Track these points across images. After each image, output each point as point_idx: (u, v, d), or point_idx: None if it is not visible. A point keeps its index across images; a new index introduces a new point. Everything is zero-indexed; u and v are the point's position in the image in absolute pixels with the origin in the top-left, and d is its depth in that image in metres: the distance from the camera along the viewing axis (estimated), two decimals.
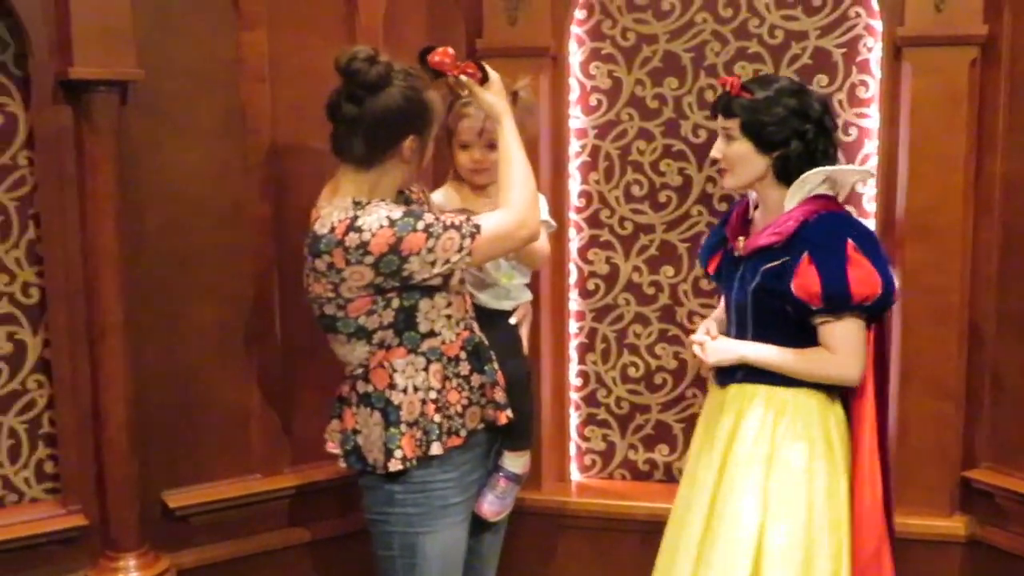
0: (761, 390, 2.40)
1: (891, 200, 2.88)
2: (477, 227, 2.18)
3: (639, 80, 3.05)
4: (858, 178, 2.59)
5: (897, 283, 2.33)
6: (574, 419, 3.26)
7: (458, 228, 2.16)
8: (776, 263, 2.33)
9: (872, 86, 2.90)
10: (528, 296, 2.70)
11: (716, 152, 2.43)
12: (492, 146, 2.44)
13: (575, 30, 3.06)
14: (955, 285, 2.85)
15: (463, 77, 2.29)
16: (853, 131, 2.93)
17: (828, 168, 2.35)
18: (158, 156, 2.70)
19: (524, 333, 2.69)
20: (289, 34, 2.83)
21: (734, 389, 2.44)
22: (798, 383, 2.37)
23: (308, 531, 3.04)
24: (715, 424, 2.46)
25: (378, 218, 2.12)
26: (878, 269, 2.28)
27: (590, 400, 3.24)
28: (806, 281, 2.27)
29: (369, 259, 2.10)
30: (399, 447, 2.22)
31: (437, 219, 2.16)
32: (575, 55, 3.08)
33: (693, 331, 3.04)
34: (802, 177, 2.33)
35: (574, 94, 3.09)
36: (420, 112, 2.20)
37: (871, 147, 2.92)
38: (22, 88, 2.56)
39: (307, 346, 2.93)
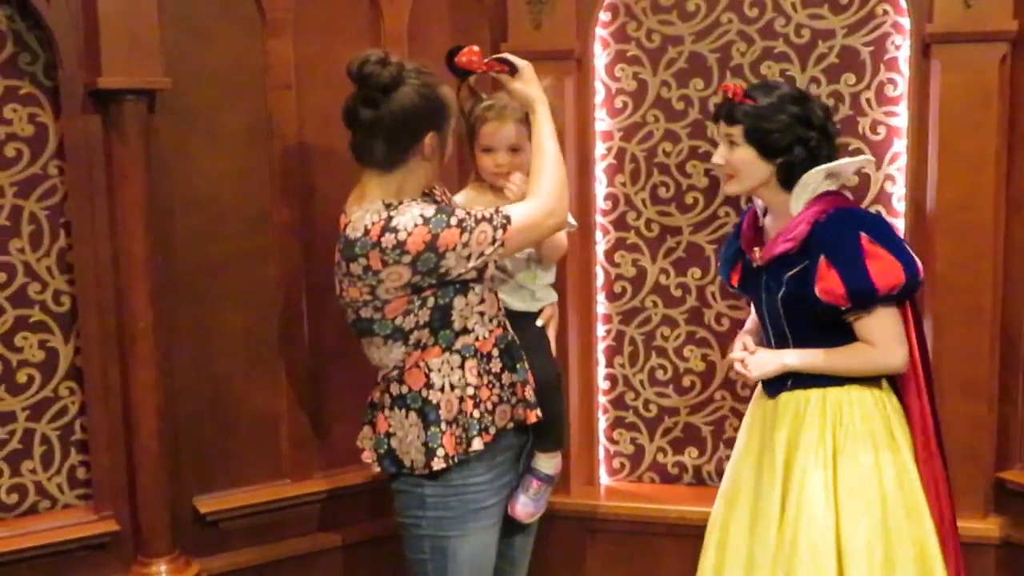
0: (814, 394, 2.41)
1: (920, 199, 2.85)
2: (507, 218, 2.20)
3: (664, 82, 3.03)
4: (858, 167, 2.58)
5: (919, 263, 2.33)
6: (602, 422, 3.25)
7: (489, 220, 2.19)
8: (797, 269, 2.35)
9: (900, 84, 2.87)
10: (554, 297, 2.69)
11: (718, 158, 2.44)
12: (514, 150, 2.46)
13: (600, 32, 3.05)
14: (986, 285, 2.82)
15: (493, 73, 2.31)
16: (882, 130, 2.90)
17: (827, 166, 2.36)
18: (186, 163, 2.73)
19: (551, 334, 2.68)
20: (315, 41, 2.85)
21: (785, 397, 2.44)
22: (848, 380, 2.39)
23: (338, 535, 3.05)
24: (770, 436, 2.45)
25: (412, 217, 2.13)
26: (897, 256, 2.29)
27: (618, 403, 3.23)
28: (829, 284, 2.28)
29: (407, 258, 2.11)
30: (441, 445, 2.22)
31: (468, 214, 2.18)
32: (600, 57, 3.07)
33: (721, 333, 3.08)
34: (803, 179, 2.35)
35: (599, 96, 3.08)
36: (437, 107, 2.21)
37: (900, 146, 2.89)
38: (52, 98, 2.59)
39: (336, 350, 2.95)
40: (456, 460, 2.24)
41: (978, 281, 2.81)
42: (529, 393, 2.38)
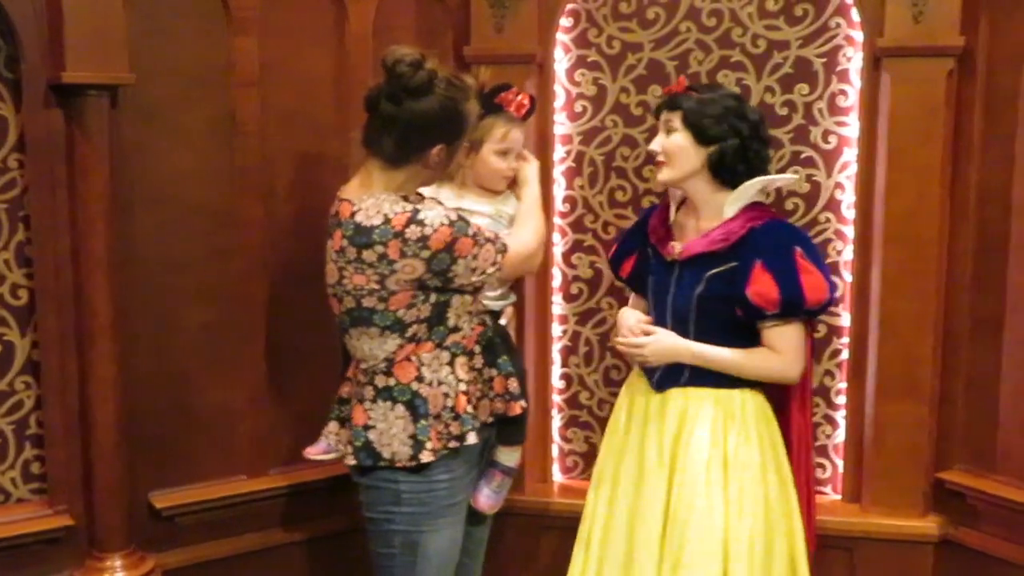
0: (708, 393, 2.49)
1: (869, 207, 2.94)
2: (506, 246, 2.32)
3: (624, 87, 3.09)
4: (787, 184, 2.71)
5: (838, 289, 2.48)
6: (557, 421, 3.30)
7: (493, 243, 2.28)
8: (722, 268, 2.43)
9: (852, 95, 2.95)
10: (513, 298, 2.80)
11: (655, 145, 2.54)
12: (518, 157, 2.63)
13: (561, 38, 3.10)
14: (931, 291, 2.91)
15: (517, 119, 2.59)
16: (833, 139, 2.98)
17: (766, 178, 2.48)
18: (149, 159, 2.72)
19: (511, 333, 2.75)
20: (280, 39, 2.85)
21: (675, 393, 2.52)
22: (742, 384, 2.49)
23: (294, 531, 3.06)
24: (656, 431, 2.51)
25: (439, 215, 2.19)
26: (824, 276, 2.43)
27: (572, 402, 3.28)
28: (763, 288, 2.38)
29: (426, 253, 2.16)
30: (429, 439, 2.26)
31: (480, 230, 2.26)
32: (561, 62, 3.11)
33: None
34: (743, 185, 2.46)
35: (559, 100, 3.13)
36: (455, 123, 2.25)
37: (850, 155, 2.97)
38: (13, 91, 2.56)
39: (296, 347, 2.96)
40: (439, 455, 2.28)
41: (923, 287, 2.90)
42: (513, 385, 2.44)
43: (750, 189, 2.47)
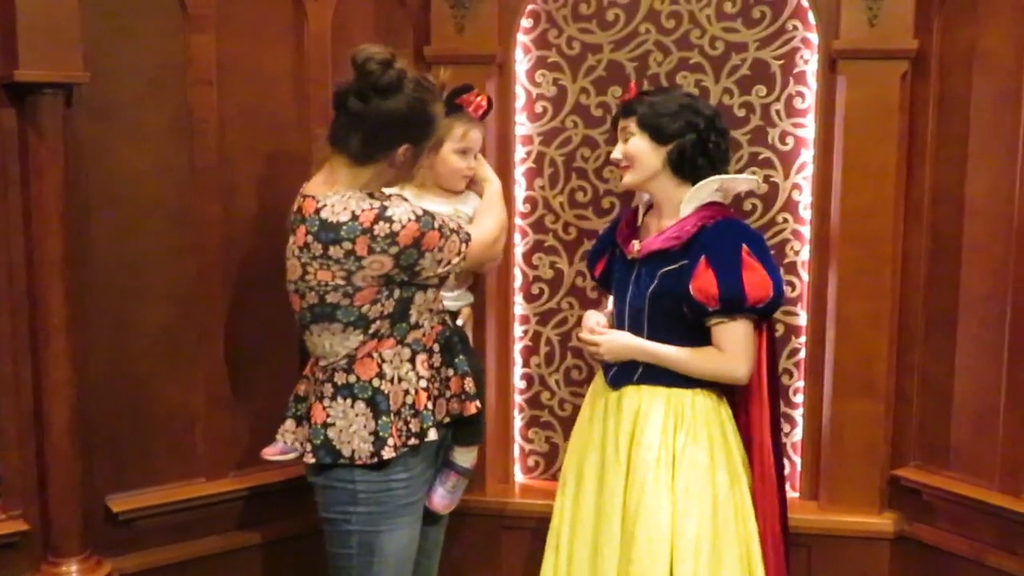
0: (661, 392, 2.52)
1: (826, 207, 2.97)
2: (469, 235, 2.33)
3: (584, 88, 3.10)
4: (747, 187, 2.74)
5: (784, 285, 2.55)
6: (518, 421, 3.30)
7: (457, 233, 2.29)
8: (674, 266, 2.47)
9: (808, 97, 2.99)
10: (470, 298, 2.82)
11: (617, 153, 2.57)
12: (476, 156, 2.67)
13: (521, 38, 3.10)
14: (886, 289, 2.95)
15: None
16: (790, 140, 3.01)
17: (722, 177, 2.52)
18: (105, 159, 2.68)
19: (468, 334, 2.76)
20: (238, 38, 2.83)
21: (630, 391, 2.55)
22: (694, 384, 2.52)
23: (253, 534, 3.04)
24: (614, 429, 2.55)
25: (406, 211, 2.20)
26: (770, 274, 2.45)
27: (534, 402, 3.29)
28: (704, 284, 2.41)
29: (394, 249, 2.16)
30: (391, 435, 2.25)
31: (444, 222, 2.27)
32: (521, 63, 3.12)
33: None
34: (698, 184, 2.49)
35: (520, 101, 3.14)
36: (421, 124, 2.25)
37: (807, 156, 3.00)
38: None
39: (255, 348, 2.94)
40: (400, 452, 2.27)
41: (878, 286, 2.94)
42: (469, 385, 2.44)
43: (705, 188, 2.50)
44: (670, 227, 2.50)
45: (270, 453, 2.52)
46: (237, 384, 2.96)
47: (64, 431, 2.63)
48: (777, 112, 3.01)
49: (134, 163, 2.73)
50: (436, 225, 2.24)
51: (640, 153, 2.51)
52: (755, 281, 2.41)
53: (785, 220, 3.04)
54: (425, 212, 2.24)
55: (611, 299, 2.75)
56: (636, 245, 2.55)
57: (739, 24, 3.00)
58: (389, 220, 2.16)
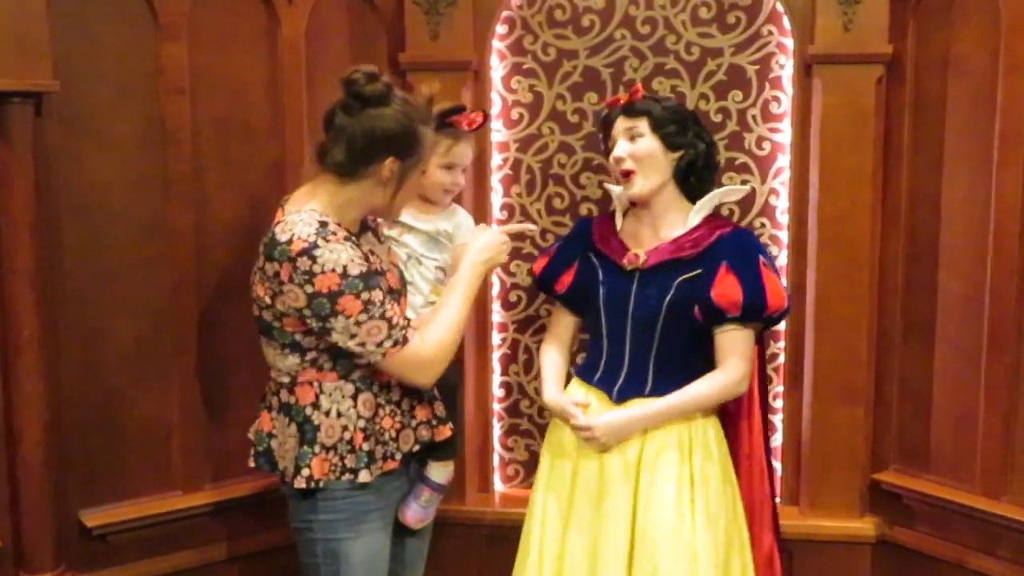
0: None
1: (802, 212, 2.98)
2: (405, 340, 2.16)
3: (560, 95, 3.09)
4: (739, 197, 2.79)
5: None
6: (497, 430, 3.28)
7: (391, 325, 2.14)
8: (690, 275, 2.43)
9: (784, 102, 2.99)
10: None
11: (620, 151, 2.46)
12: (462, 171, 2.66)
13: (497, 45, 3.09)
14: (863, 294, 2.96)
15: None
16: (767, 145, 3.01)
17: (729, 188, 2.58)
18: (76, 168, 2.65)
19: None
20: (210, 46, 2.80)
21: (639, 403, 2.47)
22: None
23: (230, 547, 3.00)
24: (619, 446, 2.45)
25: (336, 259, 2.07)
26: (782, 285, 2.47)
27: (513, 411, 3.27)
28: (727, 290, 2.38)
29: (309, 288, 2.07)
30: (308, 466, 2.20)
31: (381, 303, 2.12)
32: (497, 69, 3.11)
33: None
34: (709, 196, 2.48)
35: (496, 108, 3.12)
36: (407, 139, 2.17)
37: (784, 161, 3.00)
38: None
39: (229, 359, 2.91)
40: (321, 485, 2.20)
41: (856, 291, 2.95)
42: (439, 410, 2.40)
43: (715, 198, 2.50)
44: (680, 236, 2.45)
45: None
46: (212, 396, 2.93)
47: (36, 445, 2.60)
48: (753, 117, 3.01)
49: (105, 173, 2.70)
50: (364, 296, 2.09)
51: (650, 155, 2.44)
52: (774, 291, 2.41)
53: (763, 225, 3.04)
54: (361, 276, 2.09)
55: (567, 319, 2.65)
56: (641, 255, 2.47)
57: (714, 29, 3.00)
58: (313, 259, 2.05)
